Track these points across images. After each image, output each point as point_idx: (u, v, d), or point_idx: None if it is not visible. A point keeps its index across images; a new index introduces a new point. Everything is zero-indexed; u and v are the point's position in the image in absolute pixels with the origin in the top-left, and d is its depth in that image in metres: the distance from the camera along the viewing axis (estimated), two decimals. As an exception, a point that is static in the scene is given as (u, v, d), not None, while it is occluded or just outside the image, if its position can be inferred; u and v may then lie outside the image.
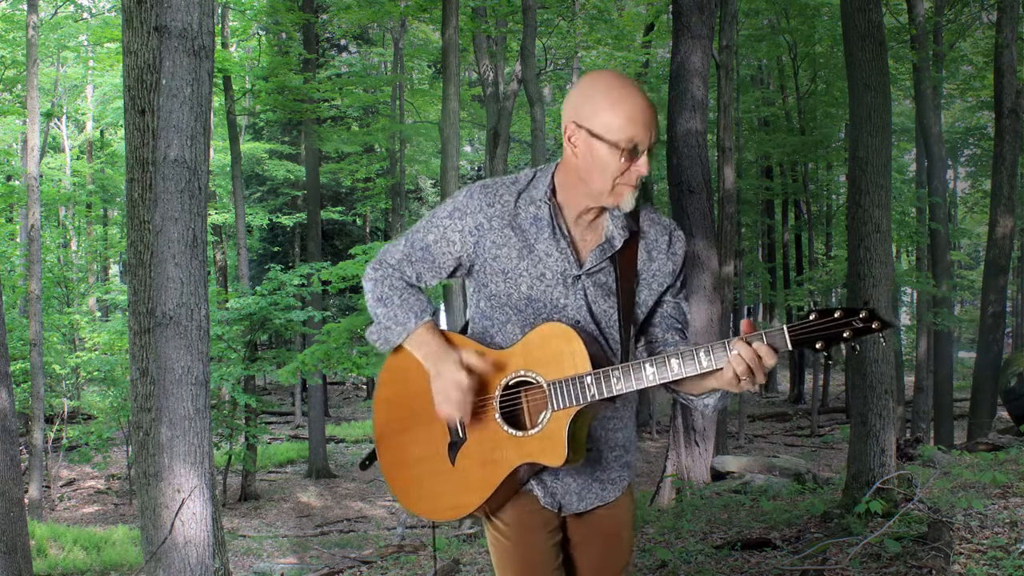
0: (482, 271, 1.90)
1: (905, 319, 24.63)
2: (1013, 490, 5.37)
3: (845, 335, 1.63)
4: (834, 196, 23.33)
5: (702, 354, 1.71)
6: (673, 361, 1.73)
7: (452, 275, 1.97)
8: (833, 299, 22.62)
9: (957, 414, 15.52)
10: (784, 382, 27.77)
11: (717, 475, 8.50)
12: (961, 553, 4.18)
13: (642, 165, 1.78)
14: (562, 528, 2.03)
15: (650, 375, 1.74)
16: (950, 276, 16.34)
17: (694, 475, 7.93)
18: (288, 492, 15.14)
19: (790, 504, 6.53)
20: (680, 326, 1.99)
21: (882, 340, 1.70)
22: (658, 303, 1.97)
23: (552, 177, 1.89)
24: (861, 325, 1.62)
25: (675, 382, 1.81)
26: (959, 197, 30.87)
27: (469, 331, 2.01)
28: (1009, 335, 25.74)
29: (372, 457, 2.04)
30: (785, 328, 1.66)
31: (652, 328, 1.97)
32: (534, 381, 1.83)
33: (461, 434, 1.88)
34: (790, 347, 1.66)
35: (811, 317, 1.64)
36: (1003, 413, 12.96)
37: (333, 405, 24.37)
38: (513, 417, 1.86)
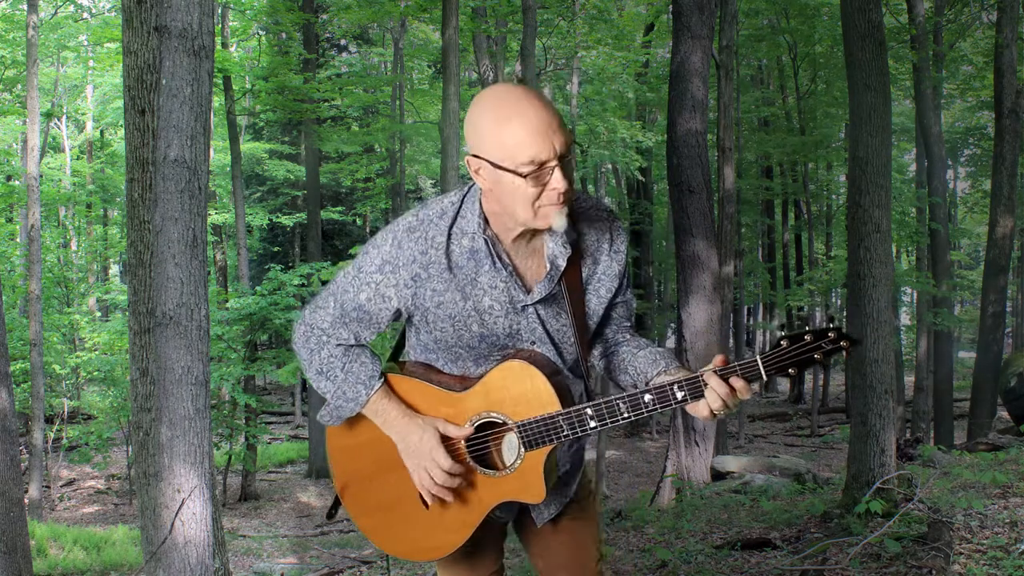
0: (424, 319, 1.78)
1: (905, 319, 24.64)
2: (1013, 490, 5.37)
3: (816, 357, 1.63)
4: (834, 196, 23.35)
5: (676, 389, 1.67)
6: (647, 397, 1.68)
7: (391, 323, 1.87)
8: (834, 298, 22.63)
9: (957, 414, 15.52)
10: (784, 382, 27.78)
11: (717, 475, 8.50)
12: (961, 553, 4.18)
13: (557, 181, 1.61)
14: (517, 534, 2.03)
15: (624, 410, 1.70)
16: (950, 276, 16.34)
17: (694, 475, 7.93)
18: (288, 492, 15.14)
19: (790, 504, 6.53)
20: (629, 323, 1.95)
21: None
22: (610, 307, 1.90)
23: (481, 207, 1.74)
24: (831, 347, 1.62)
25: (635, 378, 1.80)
26: (959, 197, 30.88)
27: (411, 358, 1.92)
28: (1009, 335, 25.75)
29: (336, 505, 1.97)
30: (759, 359, 1.64)
31: (604, 331, 1.93)
32: (500, 421, 1.77)
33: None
34: (764, 378, 1.65)
35: (782, 344, 1.63)
36: (1003, 413, 12.97)
37: (333, 405, 24.34)
38: (482, 456, 1.81)
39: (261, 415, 16.53)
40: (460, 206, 1.76)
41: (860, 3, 5.62)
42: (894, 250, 19.70)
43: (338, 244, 24.41)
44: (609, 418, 1.70)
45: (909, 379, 20.66)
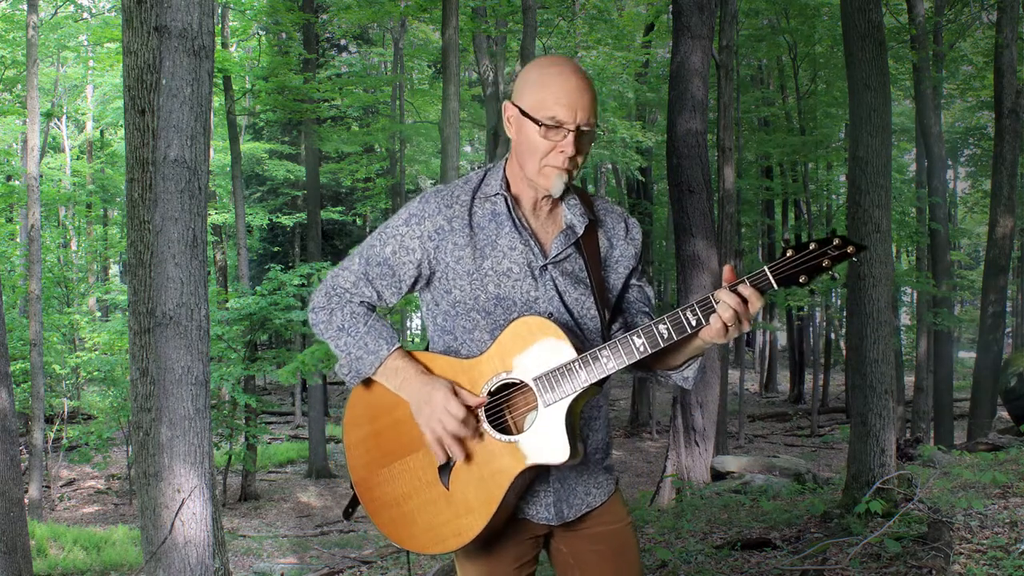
0: (444, 277, 1.82)
1: (905, 319, 24.65)
2: (1013, 490, 5.38)
3: (824, 264, 1.62)
4: (834, 196, 23.34)
5: (689, 314, 1.66)
6: (661, 327, 1.67)
7: (411, 289, 1.87)
8: (834, 298, 22.64)
9: (957, 414, 15.53)
10: (784, 382, 27.78)
11: (717, 475, 8.50)
12: (961, 553, 4.18)
13: (566, 144, 1.73)
14: (545, 547, 1.97)
15: (639, 346, 1.68)
16: (950, 276, 16.35)
17: (694, 475, 7.93)
18: (288, 492, 15.14)
19: (790, 504, 6.53)
20: (647, 309, 1.95)
21: (855, 260, 1.68)
22: (625, 288, 1.93)
23: (504, 171, 1.86)
24: (837, 252, 1.61)
25: (654, 358, 1.77)
26: (959, 197, 30.88)
27: (429, 351, 1.91)
28: (1009, 335, 25.76)
29: (355, 503, 1.91)
30: (767, 268, 1.64)
31: (622, 315, 1.93)
32: (518, 381, 1.74)
33: (451, 456, 1.77)
34: (775, 286, 1.64)
35: (788, 254, 1.63)
36: (1003, 413, 12.96)
37: (333, 405, 24.35)
38: (501, 424, 1.76)
39: (261, 415, 16.53)
40: (485, 175, 1.88)
41: (860, 3, 5.63)
42: (894, 250, 19.70)
43: (338, 244, 24.43)
44: (625, 354, 1.68)
45: (909, 379, 20.67)
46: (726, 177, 12.61)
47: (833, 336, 25.90)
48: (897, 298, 19.45)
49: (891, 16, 15.36)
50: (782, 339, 30.76)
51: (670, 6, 9.26)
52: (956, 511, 4.86)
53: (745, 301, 1.64)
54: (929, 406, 14.77)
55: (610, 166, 23.01)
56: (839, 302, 22.55)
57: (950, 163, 27.59)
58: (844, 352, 21.82)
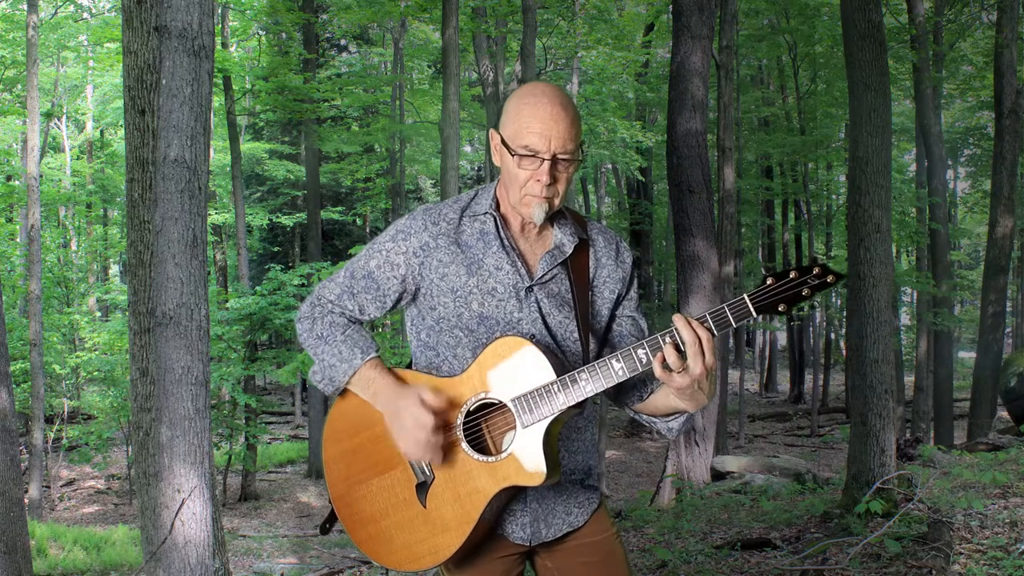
0: (428, 293, 1.82)
1: (905, 319, 24.65)
2: (1013, 490, 5.38)
3: (804, 293, 1.63)
4: (834, 196, 23.34)
5: (667, 339, 1.65)
6: (640, 351, 1.67)
7: (395, 305, 1.88)
8: (834, 298, 22.63)
9: (957, 414, 15.53)
10: (784, 382, 27.79)
11: (717, 475, 8.50)
12: (961, 553, 4.18)
13: (541, 174, 1.73)
14: (531, 563, 1.97)
15: (618, 370, 1.68)
16: (950, 276, 16.35)
17: (694, 475, 7.93)
18: (288, 492, 15.14)
19: (790, 504, 6.54)
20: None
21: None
22: (614, 319, 1.91)
23: (495, 191, 1.87)
24: (817, 281, 1.63)
25: (642, 401, 1.82)
26: (959, 197, 30.88)
27: (413, 367, 1.92)
28: (1009, 335, 25.76)
29: (332, 519, 1.91)
30: (746, 296, 1.64)
31: (612, 349, 1.90)
32: (496, 402, 1.74)
33: (428, 473, 1.77)
34: (755, 314, 1.64)
35: (768, 282, 1.64)
36: (1003, 413, 12.96)
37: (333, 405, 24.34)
38: (479, 444, 1.76)
39: (261, 415, 16.53)
40: (475, 196, 1.90)
41: (860, 3, 5.63)
42: (894, 250, 19.72)
43: (338, 244, 24.41)
44: (604, 377, 1.68)
45: (909, 379, 20.67)
46: (726, 177, 12.62)
47: (833, 336, 25.90)
48: (897, 298, 19.45)
49: (891, 16, 15.35)
50: (782, 339, 30.77)
51: (670, 6, 9.26)
52: (956, 511, 4.86)
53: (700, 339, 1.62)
54: (929, 406, 14.76)
55: (610, 166, 23.03)
56: (839, 302, 22.55)
57: (950, 163, 27.59)
58: (844, 352, 21.82)
